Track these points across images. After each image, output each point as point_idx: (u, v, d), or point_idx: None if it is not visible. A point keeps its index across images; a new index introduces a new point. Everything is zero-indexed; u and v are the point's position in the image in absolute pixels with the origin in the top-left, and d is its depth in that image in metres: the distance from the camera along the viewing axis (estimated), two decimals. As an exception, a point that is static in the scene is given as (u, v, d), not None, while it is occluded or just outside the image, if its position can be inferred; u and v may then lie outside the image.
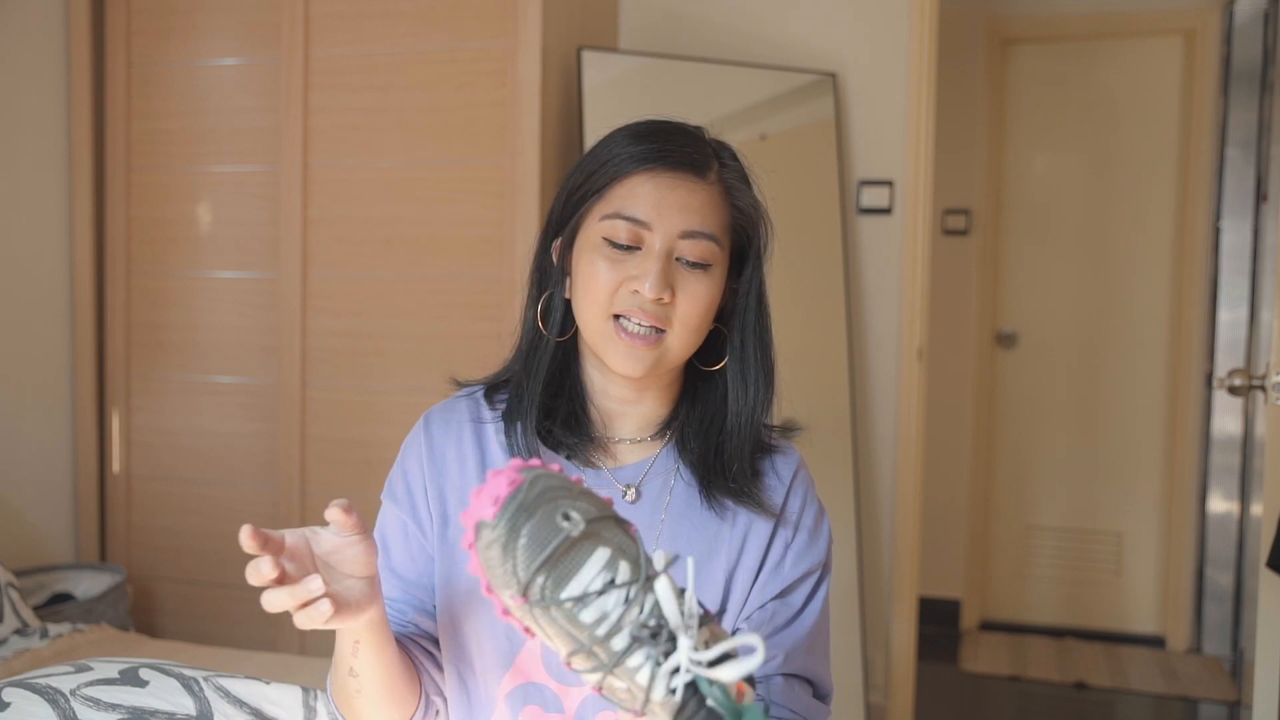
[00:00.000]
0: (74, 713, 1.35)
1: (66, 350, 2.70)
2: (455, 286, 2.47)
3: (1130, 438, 3.75)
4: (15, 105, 2.55)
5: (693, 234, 0.96)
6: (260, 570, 0.77)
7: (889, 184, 2.83)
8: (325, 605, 0.79)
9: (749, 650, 0.65)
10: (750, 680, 0.68)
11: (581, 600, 0.66)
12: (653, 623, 0.66)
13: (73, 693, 1.37)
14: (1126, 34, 3.70)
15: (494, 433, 1.05)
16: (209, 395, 2.65)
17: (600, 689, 0.69)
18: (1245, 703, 2.76)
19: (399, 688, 0.97)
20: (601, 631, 0.66)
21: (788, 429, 1.09)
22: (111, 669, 1.44)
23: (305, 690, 1.48)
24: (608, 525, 0.69)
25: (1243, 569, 3.39)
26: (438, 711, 1.05)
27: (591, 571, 0.67)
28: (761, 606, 1.02)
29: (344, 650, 0.92)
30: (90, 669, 1.44)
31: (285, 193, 2.56)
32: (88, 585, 2.52)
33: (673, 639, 0.66)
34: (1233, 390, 2.07)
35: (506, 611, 0.70)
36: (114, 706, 1.37)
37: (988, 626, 3.85)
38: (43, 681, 1.39)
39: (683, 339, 0.98)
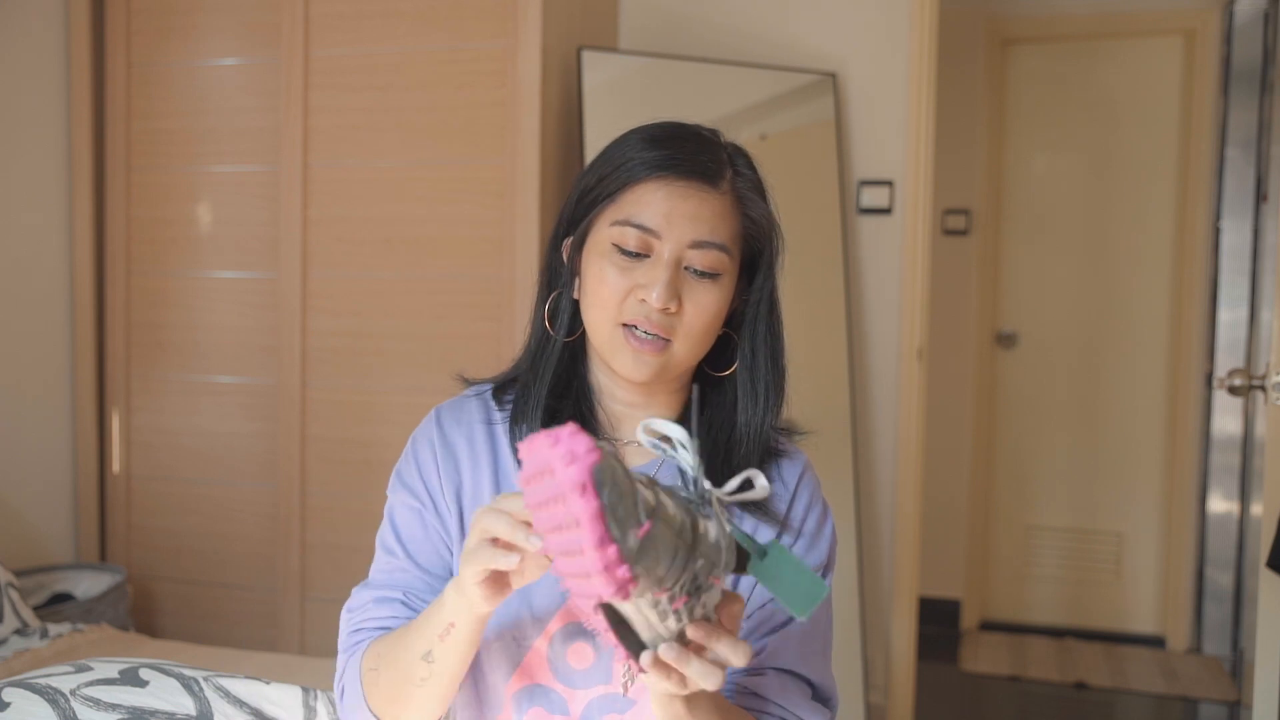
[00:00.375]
0: (74, 713, 1.35)
1: (66, 350, 2.70)
2: (455, 286, 2.47)
3: (1130, 438, 3.75)
4: (15, 105, 2.55)
5: (702, 244, 0.96)
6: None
7: (889, 184, 2.83)
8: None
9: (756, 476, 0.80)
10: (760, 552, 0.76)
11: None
12: (684, 495, 0.74)
13: (73, 693, 1.37)
14: (1126, 34, 3.70)
15: (504, 433, 1.05)
16: (209, 395, 2.65)
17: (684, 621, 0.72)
18: (1245, 703, 2.76)
19: (456, 686, 0.95)
20: (676, 526, 0.70)
21: (794, 432, 1.09)
22: (111, 669, 1.44)
23: (305, 690, 1.48)
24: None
25: (1243, 569, 3.39)
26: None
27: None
28: (762, 606, 1.02)
29: (428, 634, 0.90)
30: (90, 669, 1.44)
31: (285, 193, 2.56)
32: (88, 585, 2.52)
33: (704, 497, 0.74)
34: (1233, 390, 2.07)
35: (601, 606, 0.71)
36: (114, 706, 1.37)
37: (988, 626, 3.85)
38: (43, 681, 1.39)
39: (688, 346, 0.98)
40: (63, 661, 1.90)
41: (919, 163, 2.78)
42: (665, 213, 0.95)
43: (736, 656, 0.75)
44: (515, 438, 1.02)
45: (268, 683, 1.49)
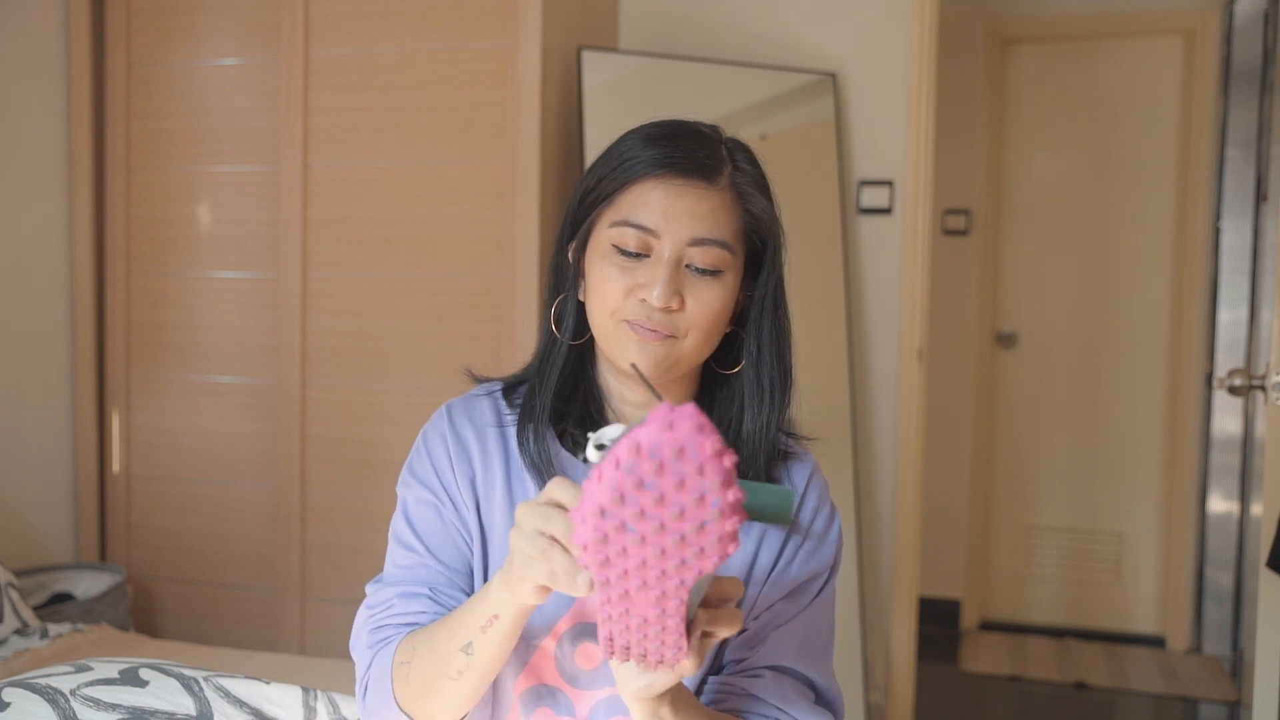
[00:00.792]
0: (74, 713, 1.35)
1: (66, 350, 2.70)
2: (455, 286, 2.47)
3: (1130, 438, 3.75)
4: (15, 105, 2.55)
5: (702, 241, 0.96)
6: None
7: (889, 184, 2.83)
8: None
9: None
10: None
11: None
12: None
13: (73, 693, 1.37)
14: (1126, 34, 3.70)
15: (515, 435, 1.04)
16: (209, 395, 2.65)
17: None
18: (1245, 703, 2.76)
19: (490, 680, 0.94)
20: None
21: (801, 436, 1.08)
22: (111, 669, 1.44)
23: (305, 690, 1.48)
24: None
25: (1243, 569, 3.39)
26: None
27: None
28: (770, 607, 1.02)
29: (470, 625, 0.88)
30: (90, 669, 1.44)
31: (285, 193, 2.56)
32: (88, 585, 2.52)
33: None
34: (1233, 390, 2.07)
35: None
36: (114, 706, 1.37)
37: (988, 626, 3.85)
38: (43, 681, 1.39)
39: (695, 343, 0.97)
40: (63, 661, 1.90)
41: (919, 163, 2.78)
42: (663, 211, 0.95)
43: (726, 627, 0.79)
44: (523, 439, 1.01)
45: (268, 683, 1.49)
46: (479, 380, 1.09)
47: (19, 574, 2.42)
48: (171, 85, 2.65)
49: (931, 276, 2.92)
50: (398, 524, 1.05)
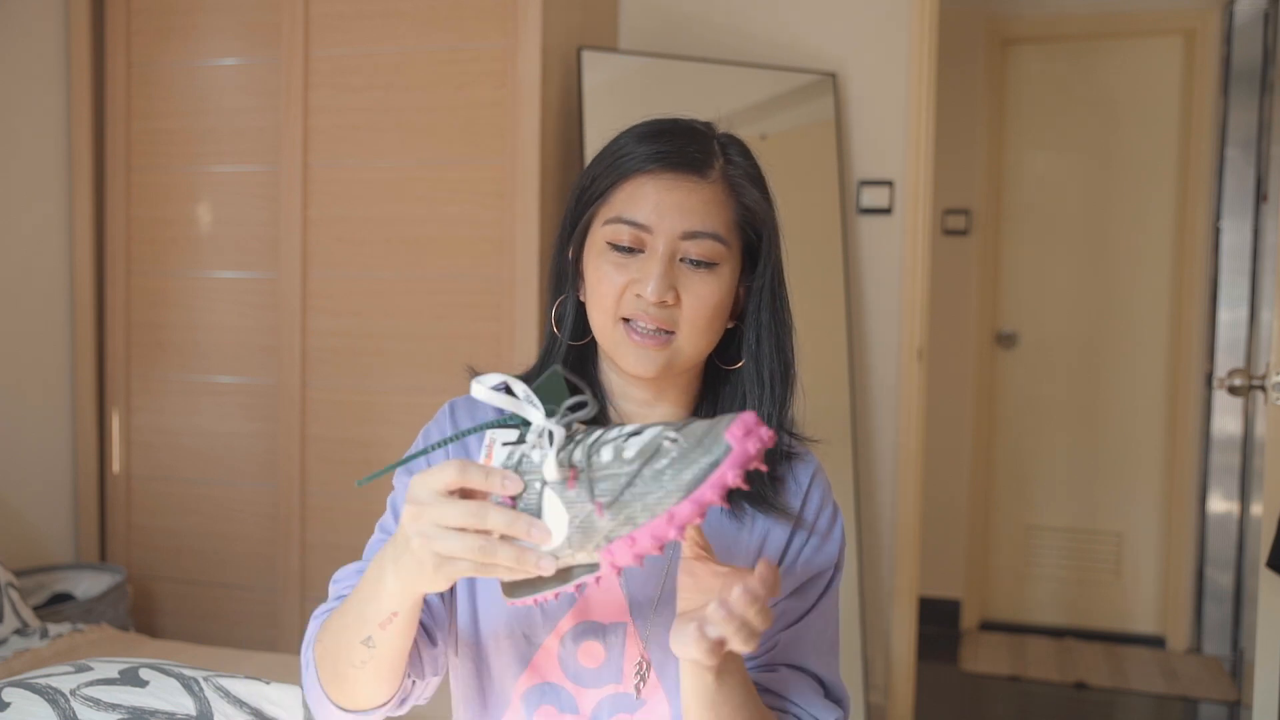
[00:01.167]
0: (74, 713, 1.35)
1: (66, 350, 2.70)
2: (455, 286, 2.47)
3: (1130, 438, 3.75)
4: (15, 105, 2.55)
5: (694, 234, 0.96)
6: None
7: (889, 184, 2.83)
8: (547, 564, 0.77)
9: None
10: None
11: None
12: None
13: (73, 693, 1.38)
14: (1126, 34, 3.70)
15: None
16: (209, 395, 2.65)
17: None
18: (1245, 703, 2.76)
19: (401, 667, 0.93)
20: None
21: (803, 436, 1.09)
22: (111, 669, 1.44)
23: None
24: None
25: (1243, 569, 3.39)
26: (414, 682, 1.01)
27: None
28: (773, 605, 1.02)
29: (369, 619, 0.87)
30: (90, 669, 1.44)
31: (285, 193, 2.56)
32: (88, 585, 2.52)
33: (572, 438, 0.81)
34: (1233, 390, 2.07)
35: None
36: (114, 706, 1.37)
37: (988, 626, 3.85)
38: (43, 681, 1.39)
39: (692, 340, 0.98)
40: (63, 661, 1.90)
41: (919, 163, 2.78)
42: (655, 205, 0.96)
43: (763, 621, 0.78)
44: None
45: (268, 683, 1.49)
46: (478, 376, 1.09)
47: (19, 574, 2.42)
48: (171, 85, 2.65)
49: (931, 276, 2.92)
50: (386, 514, 1.06)
